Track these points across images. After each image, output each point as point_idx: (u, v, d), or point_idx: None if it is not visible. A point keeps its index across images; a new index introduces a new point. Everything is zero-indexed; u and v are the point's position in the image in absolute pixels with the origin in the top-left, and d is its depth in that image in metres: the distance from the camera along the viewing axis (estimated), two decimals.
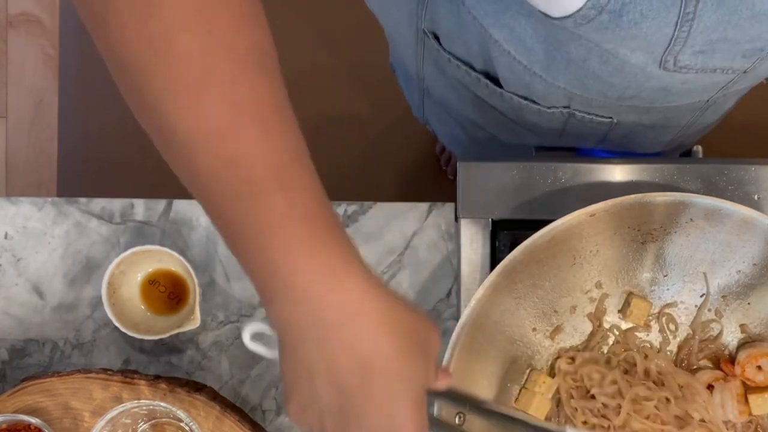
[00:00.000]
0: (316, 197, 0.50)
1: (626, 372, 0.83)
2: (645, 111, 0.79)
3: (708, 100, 0.77)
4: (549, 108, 0.82)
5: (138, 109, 0.50)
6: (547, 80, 0.75)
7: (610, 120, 0.82)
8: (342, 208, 0.89)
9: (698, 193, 0.80)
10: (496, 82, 0.82)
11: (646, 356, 0.84)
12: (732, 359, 0.84)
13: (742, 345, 0.84)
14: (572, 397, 0.83)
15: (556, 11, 0.59)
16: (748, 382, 0.82)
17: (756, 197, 0.85)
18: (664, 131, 0.87)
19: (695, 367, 0.85)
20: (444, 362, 0.74)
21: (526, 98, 0.82)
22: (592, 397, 0.82)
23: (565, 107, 0.81)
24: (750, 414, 0.82)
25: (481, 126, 0.96)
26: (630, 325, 0.85)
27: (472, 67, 0.83)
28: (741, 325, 0.84)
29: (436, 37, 0.83)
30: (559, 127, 0.86)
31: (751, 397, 0.82)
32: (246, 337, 0.59)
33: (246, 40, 0.48)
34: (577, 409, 0.82)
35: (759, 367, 0.82)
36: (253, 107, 0.48)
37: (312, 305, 0.49)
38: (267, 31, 0.50)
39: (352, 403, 0.52)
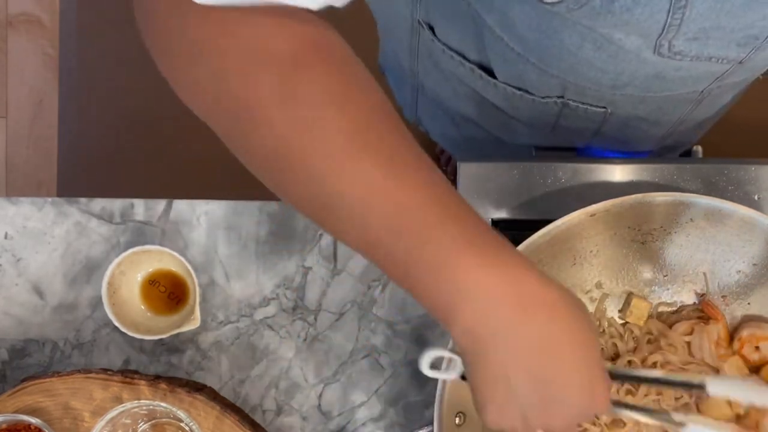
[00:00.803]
0: (477, 218, 0.55)
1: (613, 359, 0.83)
2: (639, 100, 0.79)
3: (702, 91, 0.77)
4: (543, 98, 0.82)
5: (296, 189, 0.54)
6: (540, 68, 0.75)
7: (604, 110, 0.82)
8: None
9: (698, 193, 0.80)
10: (490, 72, 0.82)
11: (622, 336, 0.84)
12: (733, 331, 0.84)
13: (746, 319, 0.84)
14: None
15: None
16: (742, 358, 0.83)
17: (756, 197, 0.85)
18: (658, 124, 0.87)
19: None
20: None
21: (519, 88, 0.82)
22: None
23: (559, 97, 0.81)
24: (732, 353, 0.82)
25: (475, 121, 0.96)
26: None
27: (466, 58, 0.83)
28: None
29: (431, 28, 0.83)
30: (553, 119, 0.86)
31: (726, 364, 0.82)
32: (425, 367, 0.61)
33: (377, 101, 0.54)
34: None
35: (757, 348, 0.82)
36: (400, 157, 0.53)
37: (496, 308, 0.53)
38: (379, 87, 0.55)
39: (550, 388, 0.55)
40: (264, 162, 0.53)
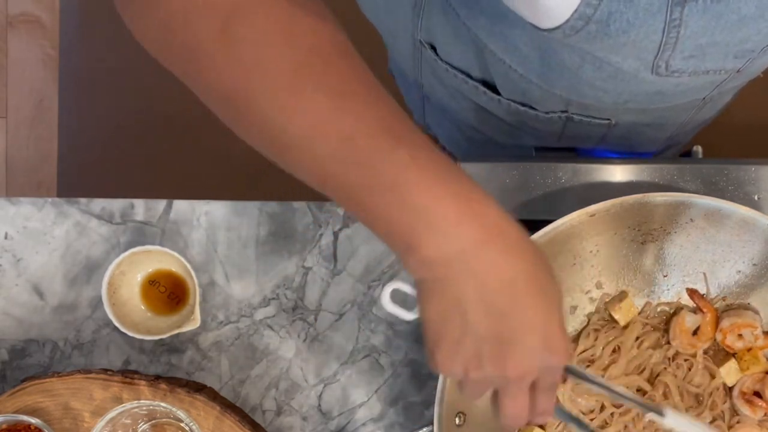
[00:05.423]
0: (428, 143, 0.53)
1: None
2: (642, 112, 0.79)
3: (704, 98, 0.78)
4: (547, 113, 0.82)
5: (249, 130, 0.54)
6: (543, 87, 0.76)
7: (608, 122, 0.82)
8: (342, 209, 0.90)
9: (698, 193, 0.80)
10: (493, 89, 0.83)
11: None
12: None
13: (725, 311, 0.84)
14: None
15: (545, 23, 0.59)
16: (727, 349, 0.84)
17: (756, 197, 0.85)
18: (662, 129, 0.87)
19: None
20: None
21: (523, 104, 0.82)
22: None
23: (562, 112, 0.81)
24: (696, 347, 0.83)
25: (480, 130, 0.96)
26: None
27: (469, 76, 0.83)
28: None
29: (433, 48, 0.83)
30: (558, 130, 0.86)
31: (722, 368, 0.84)
32: (385, 298, 0.60)
33: (323, 35, 0.53)
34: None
35: (740, 335, 0.82)
36: (346, 87, 0.52)
37: (456, 235, 0.51)
38: (335, 22, 0.54)
39: (507, 326, 0.53)
40: (216, 102, 0.54)
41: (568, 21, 0.58)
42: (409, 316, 0.60)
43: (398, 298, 0.60)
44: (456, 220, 0.51)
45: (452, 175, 0.53)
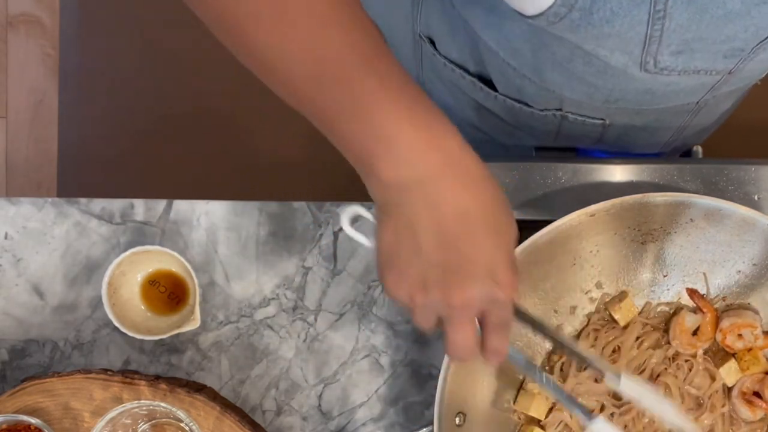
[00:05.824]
0: (403, 75, 0.55)
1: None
2: (635, 113, 0.79)
3: (698, 102, 0.78)
4: (542, 111, 0.82)
5: (239, 52, 0.56)
6: (537, 83, 0.76)
7: (602, 122, 0.83)
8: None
9: (698, 193, 0.80)
10: (490, 85, 0.83)
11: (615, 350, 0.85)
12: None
13: (725, 311, 0.84)
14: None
15: (529, 9, 0.60)
16: (727, 349, 0.84)
17: (756, 197, 0.85)
18: (657, 132, 0.87)
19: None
20: (444, 363, 0.75)
21: (519, 101, 0.82)
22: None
23: (557, 110, 0.81)
24: (696, 347, 0.84)
25: (479, 129, 0.96)
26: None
27: (466, 71, 0.83)
28: None
29: (432, 42, 0.83)
30: (554, 129, 0.86)
31: (722, 368, 0.84)
32: (345, 222, 0.61)
33: None
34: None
35: (740, 335, 0.82)
36: (329, 16, 0.53)
37: (416, 163, 0.53)
38: None
39: (455, 253, 0.55)
40: (213, 27, 0.56)
41: (551, 7, 0.58)
42: (368, 242, 0.61)
43: (361, 225, 0.61)
44: (417, 149, 0.53)
45: (420, 105, 0.54)
